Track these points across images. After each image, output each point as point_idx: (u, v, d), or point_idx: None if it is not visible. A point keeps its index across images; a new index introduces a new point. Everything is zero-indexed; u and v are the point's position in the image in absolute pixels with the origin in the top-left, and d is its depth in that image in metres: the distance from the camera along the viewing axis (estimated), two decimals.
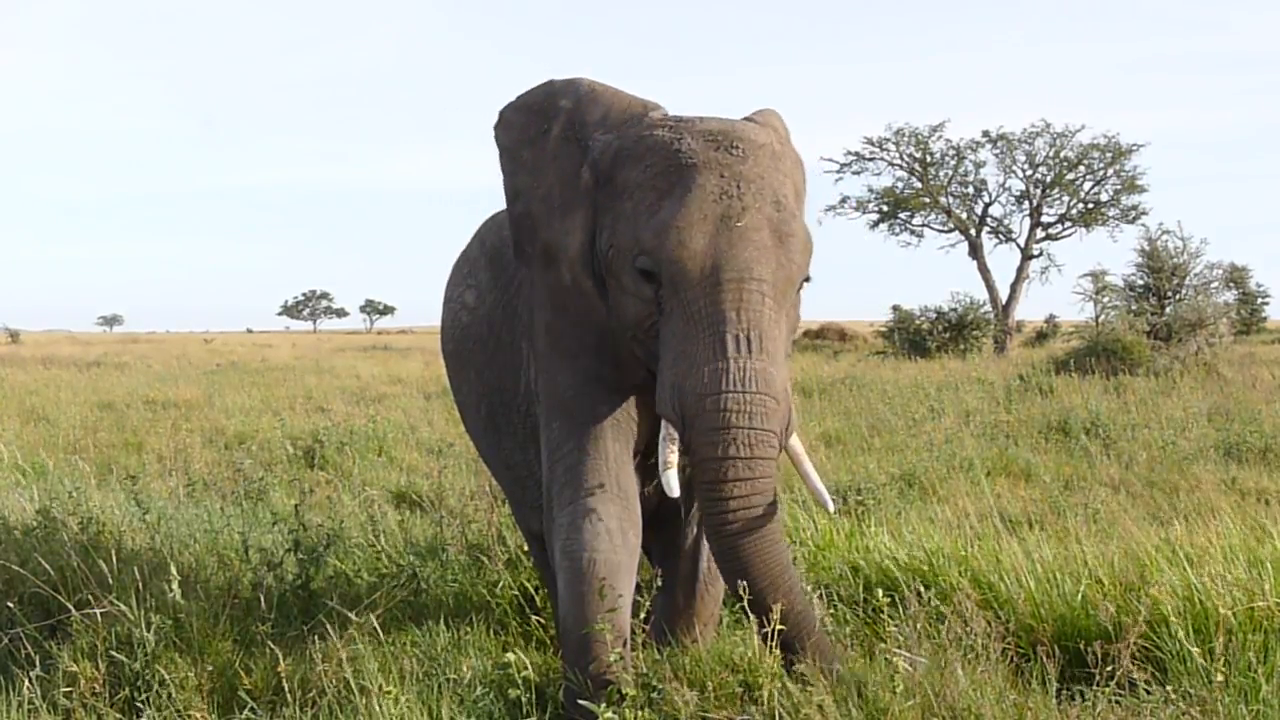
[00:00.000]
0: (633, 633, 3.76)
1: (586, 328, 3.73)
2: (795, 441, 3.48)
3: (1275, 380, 15.02)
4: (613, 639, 3.54)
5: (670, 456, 3.37)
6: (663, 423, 3.41)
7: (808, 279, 3.58)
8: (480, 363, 4.28)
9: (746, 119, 3.72)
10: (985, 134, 31.48)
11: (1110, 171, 30.81)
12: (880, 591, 4.14)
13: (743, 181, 3.40)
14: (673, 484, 3.37)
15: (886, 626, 3.99)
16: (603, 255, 3.59)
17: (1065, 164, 30.89)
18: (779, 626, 3.35)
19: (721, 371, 3.27)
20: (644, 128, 3.58)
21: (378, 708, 3.61)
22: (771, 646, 3.38)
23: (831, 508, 3.61)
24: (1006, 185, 31.62)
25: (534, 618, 4.72)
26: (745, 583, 3.34)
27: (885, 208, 32.27)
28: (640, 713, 3.38)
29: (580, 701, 3.47)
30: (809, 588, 4.46)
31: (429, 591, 5.05)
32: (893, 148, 31.77)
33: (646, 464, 3.89)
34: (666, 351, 3.40)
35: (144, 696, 4.02)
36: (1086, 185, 31.13)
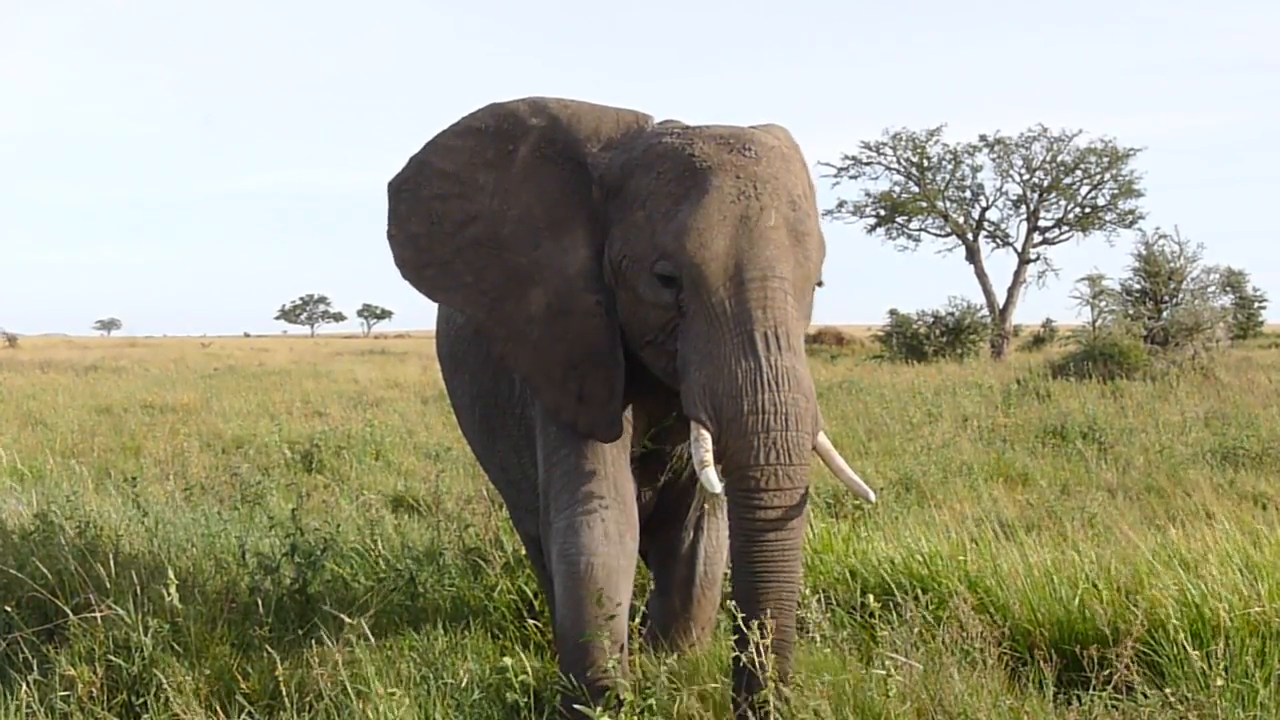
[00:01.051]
0: (630, 637, 3.76)
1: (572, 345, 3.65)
2: (823, 438, 3.46)
3: (1272, 384, 15.04)
4: (610, 644, 3.54)
5: (705, 455, 3.31)
6: (692, 423, 3.38)
7: (820, 283, 3.58)
8: (474, 365, 4.27)
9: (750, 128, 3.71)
10: (982, 138, 31.61)
11: (1107, 176, 30.89)
12: (877, 595, 4.15)
13: (759, 182, 3.39)
14: (714, 481, 3.30)
15: (883, 630, 4.00)
16: (613, 267, 3.56)
17: (1062, 168, 30.96)
18: (770, 634, 3.33)
19: (754, 371, 3.26)
20: (651, 136, 3.57)
21: (375, 712, 3.62)
22: (766, 650, 3.37)
23: (873, 498, 3.58)
24: (1003, 189, 31.74)
25: (531, 622, 4.73)
26: (755, 585, 3.32)
27: (882, 212, 32.31)
28: (637, 718, 3.38)
29: (577, 706, 3.47)
30: (807, 591, 4.47)
31: (426, 596, 5.06)
32: (890, 152, 31.84)
33: (643, 468, 3.88)
34: (692, 354, 3.37)
35: (142, 700, 4.02)
36: (1083, 189, 31.21)
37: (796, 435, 3.28)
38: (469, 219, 3.80)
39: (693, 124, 3.64)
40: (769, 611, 3.29)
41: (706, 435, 3.33)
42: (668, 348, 3.47)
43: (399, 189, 3.90)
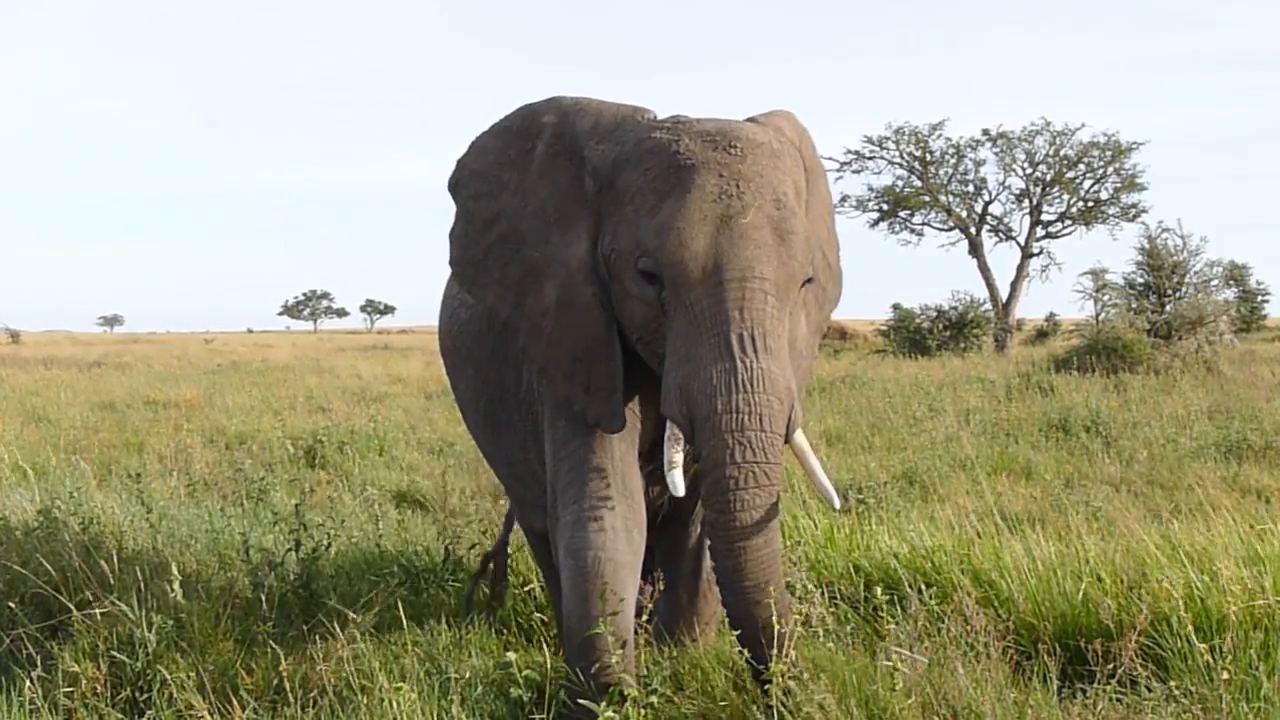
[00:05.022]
0: (636, 632, 3.76)
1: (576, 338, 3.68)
2: (800, 438, 3.47)
3: (1275, 378, 15.02)
4: (616, 639, 3.54)
5: (675, 456, 3.36)
6: (668, 423, 3.40)
7: (809, 280, 3.56)
8: (480, 359, 4.28)
9: (750, 119, 3.70)
10: (985, 132, 31.46)
11: (1110, 169, 30.79)
12: (881, 590, 4.14)
13: (742, 180, 3.39)
14: (678, 483, 3.36)
15: (887, 625, 3.99)
16: (605, 261, 3.57)
17: (1065, 162, 30.87)
18: (765, 629, 3.34)
19: (728, 373, 3.26)
20: (641, 131, 3.57)
21: (379, 707, 3.62)
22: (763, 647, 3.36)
23: (838, 504, 3.58)
24: (1006, 183, 31.62)
25: (536, 616, 4.73)
26: (739, 584, 3.34)
27: (885, 206, 32.25)
28: (642, 713, 3.38)
29: (582, 701, 3.47)
30: (811, 586, 4.47)
31: (430, 591, 5.05)
32: (892, 146, 31.75)
33: (651, 463, 3.88)
34: (671, 353, 3.38)
35: (145, 696, 4.02)
36: (1086, 183, 31.12)
37: (770, 435, 3.29)
38: (495, 217, 3.86)
39: (683, 117, 3.63)
40: (767, 607, 3.32)
41: (680, 436, 3.36)
42: (657, 349, 3.47)
43: (451, 190, 4.02)
